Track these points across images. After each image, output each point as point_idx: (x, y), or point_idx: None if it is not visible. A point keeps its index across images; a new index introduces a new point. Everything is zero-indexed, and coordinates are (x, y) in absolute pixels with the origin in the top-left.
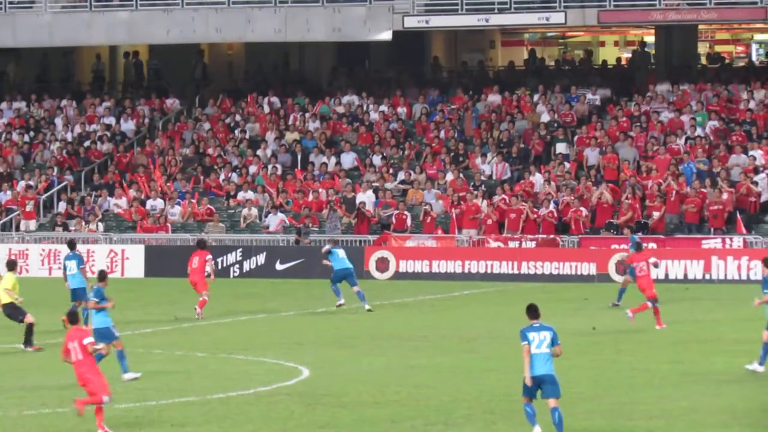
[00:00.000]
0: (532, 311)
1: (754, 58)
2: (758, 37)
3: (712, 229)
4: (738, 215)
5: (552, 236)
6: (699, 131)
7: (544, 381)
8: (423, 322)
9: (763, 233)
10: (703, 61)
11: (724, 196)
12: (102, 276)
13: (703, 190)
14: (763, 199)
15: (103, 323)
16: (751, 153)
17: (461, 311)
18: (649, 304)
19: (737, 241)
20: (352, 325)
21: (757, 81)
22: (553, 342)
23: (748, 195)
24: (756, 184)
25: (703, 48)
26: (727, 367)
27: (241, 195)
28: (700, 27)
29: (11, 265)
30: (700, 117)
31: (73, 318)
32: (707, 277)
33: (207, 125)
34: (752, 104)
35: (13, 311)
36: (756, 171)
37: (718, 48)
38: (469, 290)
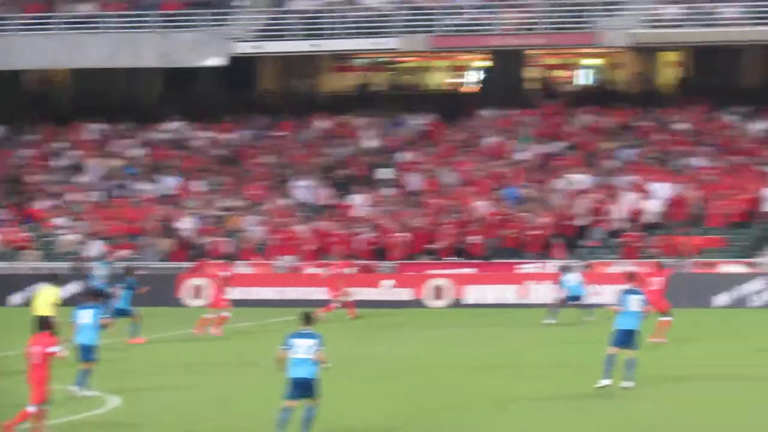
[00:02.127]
0: (305, 318)
1: (582, 82)
2: (586, 62)
3: (532, 253)
4: (557, 240)
5: (370, 262)
6: (523, 155)
7: (303, 384)
8: (239, 348)
9: (581, 257)
10: (531, 86)
11: (544, 220)
12: None
13: (522, 214)
14: (582, 223)
15: None
16: (572, 177)
17: (278, 337)
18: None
19: (554, 266)
20: (167, 353)
21: (584, 105)
22: (316, 348)
23: (568, 219)
24: (577, 208)
25: (531, 73)
26: (531, 392)
27: (59, 221)
28: (530, 52)
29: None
30: (524, 142)
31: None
32: (523, 301)
33: (29, 151)
34: (576, 129)
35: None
36: (577, 195)
37: (546, 73)
38: (287, 317)
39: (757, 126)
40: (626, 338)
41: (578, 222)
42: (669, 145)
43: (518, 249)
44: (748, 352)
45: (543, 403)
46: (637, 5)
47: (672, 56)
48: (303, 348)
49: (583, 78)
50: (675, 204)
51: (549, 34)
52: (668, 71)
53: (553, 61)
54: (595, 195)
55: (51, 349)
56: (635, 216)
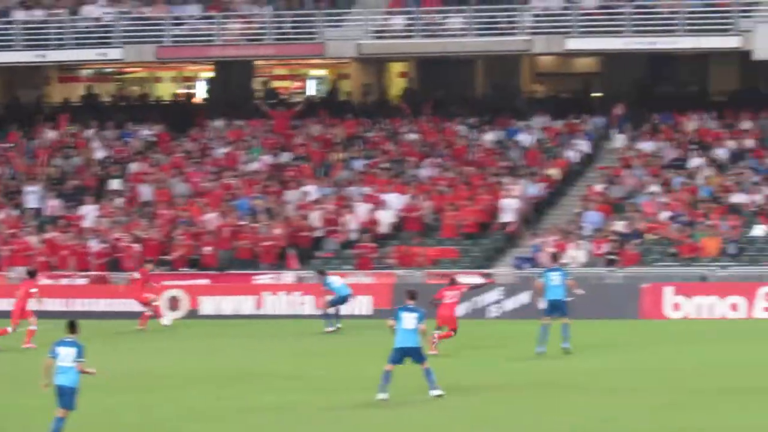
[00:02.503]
0: (70, 327)
1: (312, 93)
2: (315, 72)
3: (265, 265)
4: (291, 251)
5: (103, 273)
6: (254, 166)
7: (64, 392)
8: None
9: (315, 268)
10: (260, 96)
11: (277, 231)
12: None
13: (255, 225)
14: (316, 234)
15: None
16: (305, 188)
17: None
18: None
19: (289, 276)
20: None
21: (313, 116)
22: (76, 358)
23: (302, 230)
24: (310, 219)
25: (260, 84)
26: (276, 402)
27: None
28: (259, 63)
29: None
30: (255, 152)
31: None
32: (259, 312)
33: None
34: (306, 139)
35: None
36: (310, 206)
37: (275, 84)
38: (21, 327)
39: (488, 136)
40: (404, 356)
41: (312, 233)
42: (400, 156)
43: (252, 260)
44: (494, 362)
45: (287, 414)
46: (364, 16)
47: (399, 67)
48: (66, 356)
49: (312, 88)
50: (408, 215)
51: (276, 45)
52: (398, 82)
53: (282, 71)
54: (329, 206)
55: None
56: (369, 227)
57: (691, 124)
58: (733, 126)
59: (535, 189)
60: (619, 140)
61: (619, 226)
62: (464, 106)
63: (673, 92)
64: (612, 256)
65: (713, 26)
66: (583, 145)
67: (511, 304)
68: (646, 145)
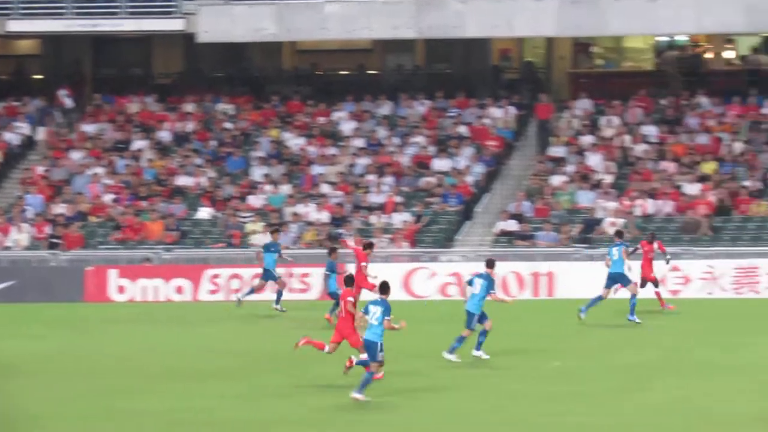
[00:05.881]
0: None
1: None
2: None
3: None
4: None
5: None
6: None
7: None
8: None
9: None
10: None
11: None
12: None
13: None
14: None
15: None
16: None
17: None
18: None
19: None
20: None
21: None
22: None
23: None
24: None
25: None
26: None
27: None
28: None
29: None
30: None
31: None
32: None
33: None
34: None
35: None
36: None
37: None
38: None
39: None
40: None
41: None
42: None
43: None
44: None
45: None
46: None
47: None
48: None
49: None
50: None
51: None
52: None
53: None
54: None
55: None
56: None
57: (134, 106)
58: (177, 108)
59: None
60: (61, 122)
61: (62, 208)
62: None
63: (116, 74)
64: (55, 240)
65: (157, 9)
66: (24, 128)
67: None
68: (89, 128)
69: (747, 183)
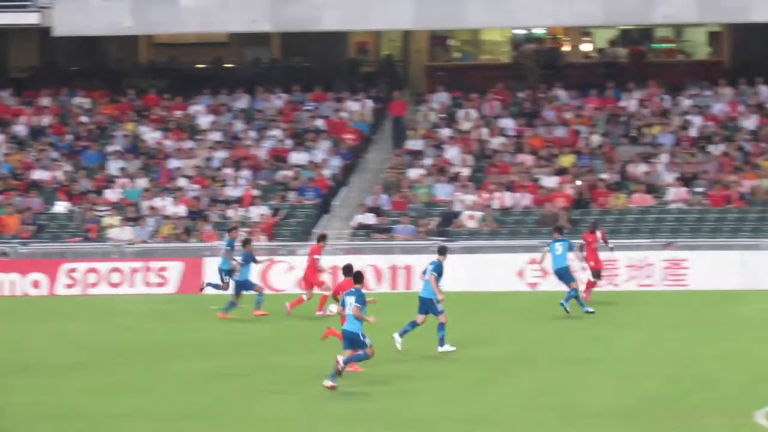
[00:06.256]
0: None
1: None
2: None
3: None
4: None
5: None
6: None
7: None
8: None
9: None
10: None
11: None
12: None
13: None
14: None
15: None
16: None
17: None
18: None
19: None
20: None
21: None
22: None
23: None
24: None
25: None
26: None
27: None
28: None
29: None
30: None
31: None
32: None
33: None
34: None
35: None
36: None
37: None
38: None
39: None
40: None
41: None
42: None
43: None
44: None
45: None
46: None
47: None
48: None
49: None
50: None
51: None
52: None
53: None
54: None
55: None
56: None
57: None
58: (33, 102)
59: None
60: None
61: None
62: None
63: None
64: None
65: (12, 2)
66: None
67: None
68: None
69: (605, 176)
